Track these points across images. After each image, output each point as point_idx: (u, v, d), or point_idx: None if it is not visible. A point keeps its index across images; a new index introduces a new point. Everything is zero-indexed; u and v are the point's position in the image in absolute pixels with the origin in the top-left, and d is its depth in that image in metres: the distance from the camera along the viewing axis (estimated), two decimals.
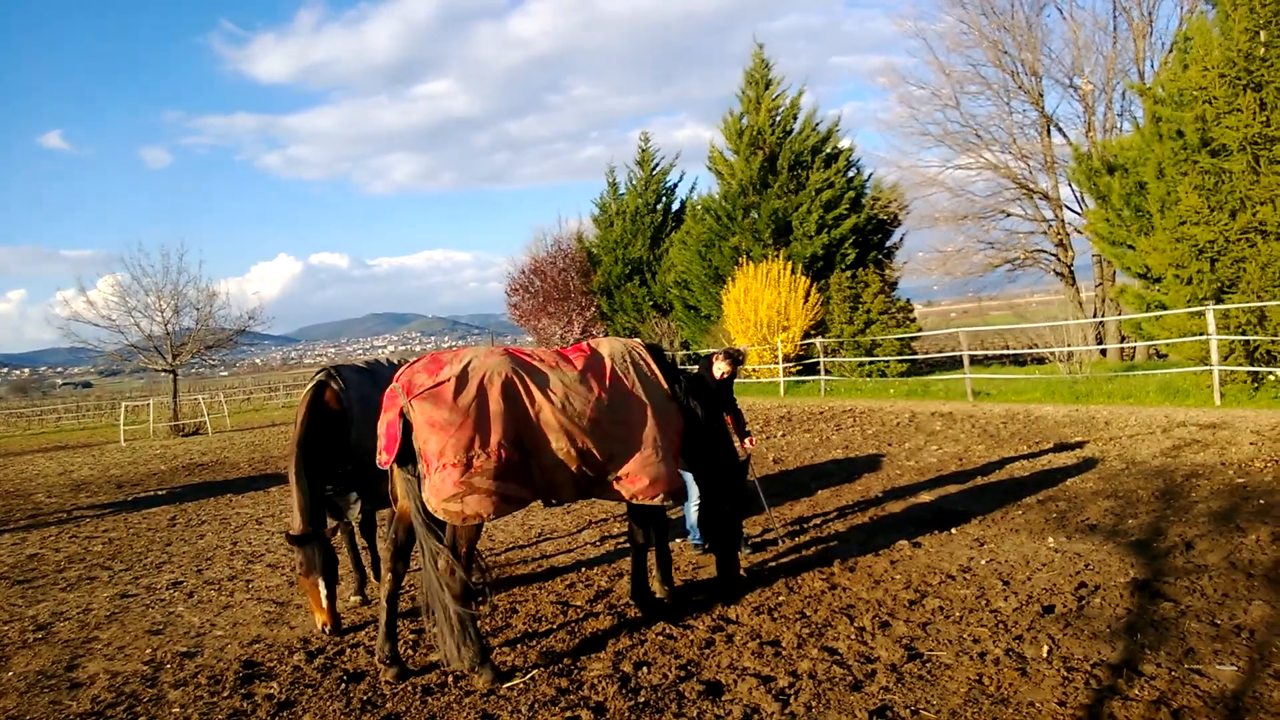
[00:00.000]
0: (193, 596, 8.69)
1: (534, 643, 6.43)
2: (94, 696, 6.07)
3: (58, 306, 34.27)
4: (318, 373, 7.36)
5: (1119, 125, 29.37)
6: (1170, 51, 24.52)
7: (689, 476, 8.04)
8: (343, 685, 5.88)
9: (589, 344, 6.58)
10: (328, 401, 7.11)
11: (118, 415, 38.17)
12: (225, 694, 5.92)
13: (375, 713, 5.38)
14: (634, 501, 6.29)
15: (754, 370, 29.57)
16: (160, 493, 17.00)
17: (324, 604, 6.68)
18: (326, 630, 6.74)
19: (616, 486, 6.16)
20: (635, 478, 6.13)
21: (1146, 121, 20.36)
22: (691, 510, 8.43)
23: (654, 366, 6.61)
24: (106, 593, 9.08)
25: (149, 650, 7.04)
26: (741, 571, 7.68)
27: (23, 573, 10.37)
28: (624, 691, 5.35)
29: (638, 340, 6.85)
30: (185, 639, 7.30)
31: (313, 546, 6.63)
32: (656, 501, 6.33)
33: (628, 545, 7.61)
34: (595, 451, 5.95)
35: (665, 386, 6.55)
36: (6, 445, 37.27)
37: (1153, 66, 28.17)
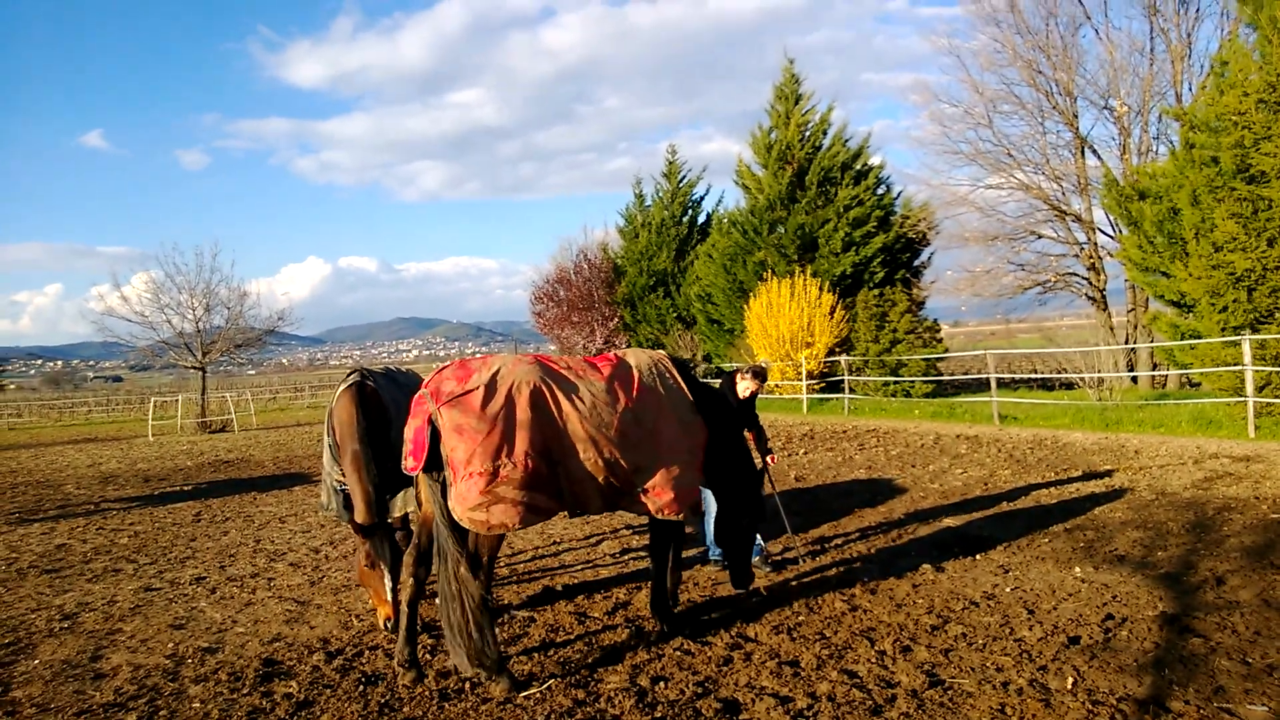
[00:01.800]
0: (215, 592, 8.75)
1: (551, 653, 6.42)
2: (117, 688, 6.12)
3: (93, 301, 34.84)
4: (351, 372, 7.37)
5: (1154, 148, 29.05)
6: (1208, 75, 24.27)
7: (706, 491, 8.03)
8: (361, 687, 5.89)
9: (616, 354, 6.57)
10: (371, 397, 7.08)
11: (147, 410, 38.58)
12: (245, 691, 5.95)
13: (392, 715, 5.38)
14: (659, 516, 6.28)
15: (776, 386, 29.49)
16: (186, 488, 17.15)
17: (388, 597, 6.62)
18: (388, 625, 6.64)
19: (643, 499, 6.13)
20: (661, 491, 6.11)
21: (1181, 147, 20.13)
22: (710, 525, 8.40)
23: (679, 379, 6.60)
24: (131, 585, 9.16)
25: (171, 644, 7.10)
26: (761, 589, 7.65)
27: (51, 562, 10.49)
28: (640, 706, 5.33)
29: (663, 352, 6.84)
30: (207, 634, 7.35)
31: (379, 537, 6.62)
32: (677, 517, 6.31)
33: (646, 558, 7.58)
34: (622, 463, 5.93)
35: (690, 399, 6.54)
36: (38, 436, 37.75)
37: (1190, 90, 27.86)
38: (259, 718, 5.48)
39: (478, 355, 6.67)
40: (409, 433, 5.77)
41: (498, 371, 5.76)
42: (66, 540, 11.92)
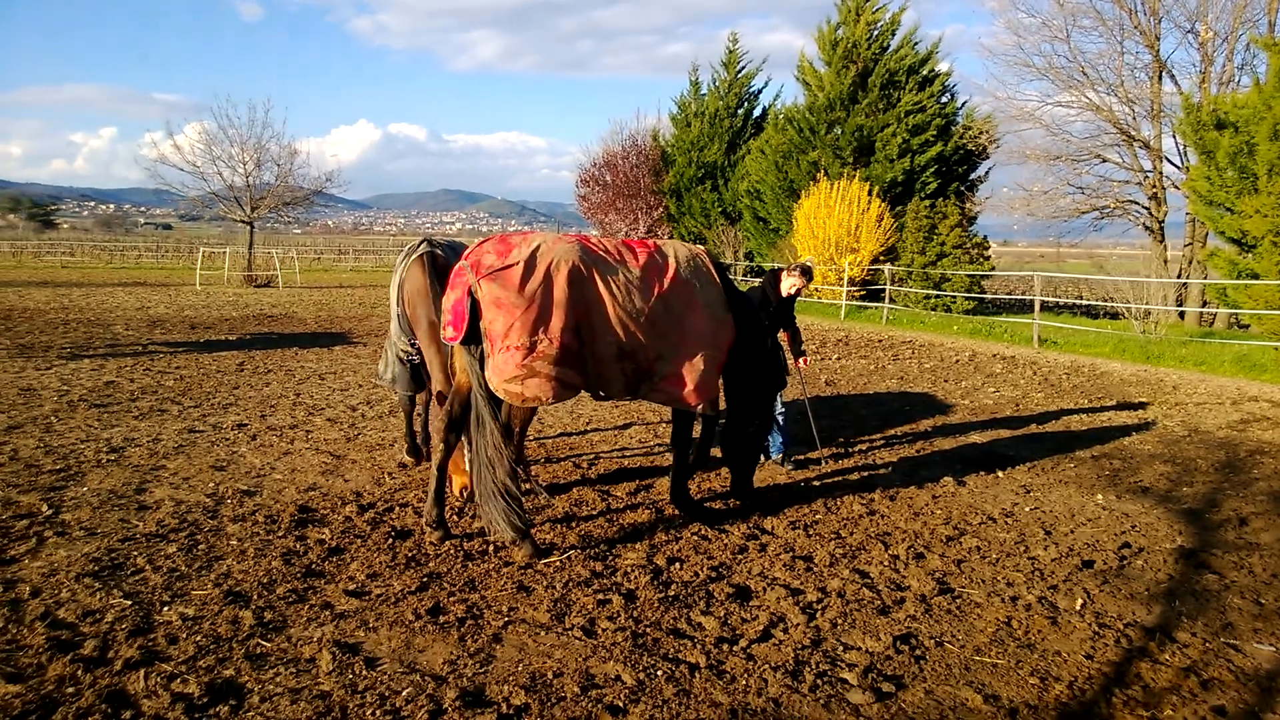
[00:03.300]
0: (255, 439, 9.04)
1: (574, 525, 6.62)
2: (159, 520, 6.41)
3: (145, 148, 35.11)
4: (420, 242, 7.33)
5: (1237, 79, 27.94)
6: None
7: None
8: (390, 540, 6.14)
9: (656, 242, 6.57)
10: (443, 268, 6.93)
11: (195, 259, 39.13)
12: (280, 534, 6.21)
13: (418, 570, 5.62)
14: (675, 405, 6.37)
15: (816, 290, 29.31)
16: (230, 338, 17.54)
17: (466, 466, 6.56)
18: (464, 494, 6.69)
19: (662, 387, 6.21)
20: (681, 381, 6.18)
21: (1270, 77, 19.35)
22: (777, 428, 8.44)
23: (715, 276, 6.60)
24: (175, 426, 9.48)
25: (212, 484, 7.39)
26: (782, 483, 7.78)
27: (100, 397, 10.85)
28: (655, 583, 5.52)
29: (703, 248, 6.81)
30: (246, 478, 7.64)
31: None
32: (695, 409, 6.39)
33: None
34: (647, 349, 6.00)
35: (723, 296, 6.55)
36: (89, 276, 38.48)
37: None
38: (292, 559, 5.73)
39: (520, 231, 6.66)
40: (448, 303, 5.84)
41: (538, 248, 5.78)
42: (115, 378, 12.30)
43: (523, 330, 5.51)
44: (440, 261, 7.07)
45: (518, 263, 5.65)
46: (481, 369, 5.73)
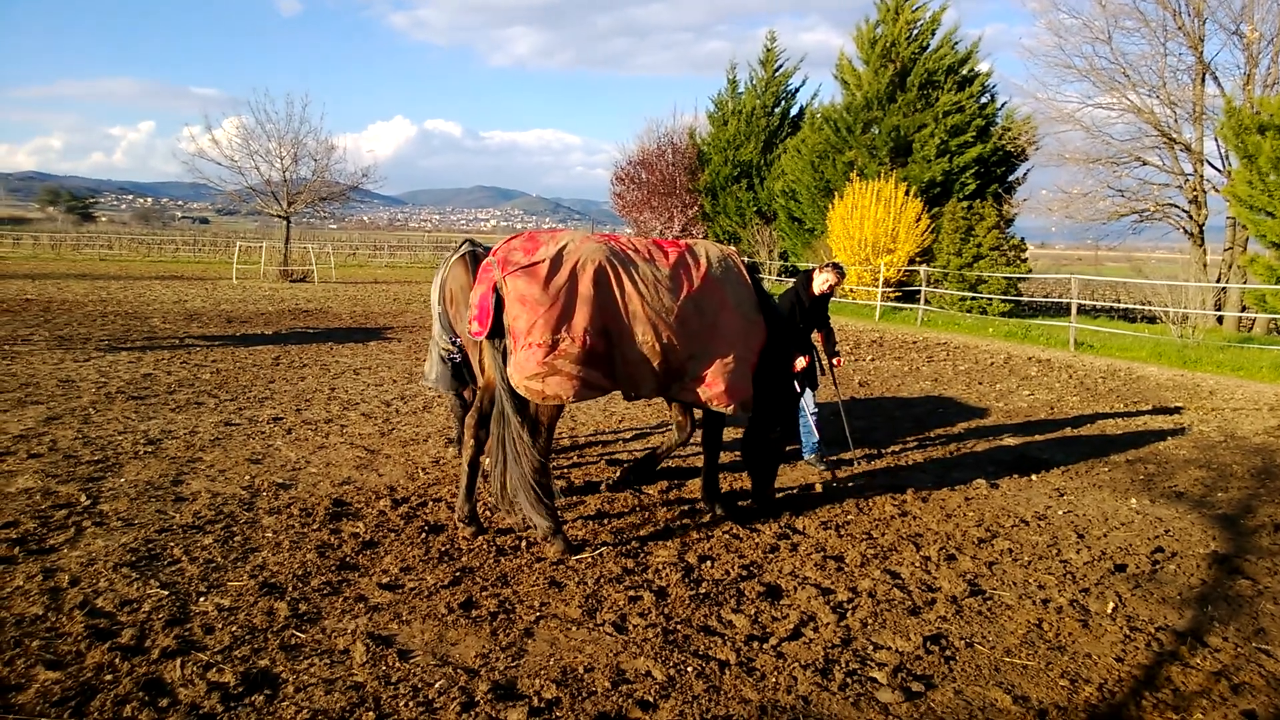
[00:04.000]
0: (291, 433, 9.16)
1: (606, 522, 6.66)
2: (195, 511, 6.51)
3: (184, 142, 35.70)
4: (462, 243, 7.43)
5: None
6: None
7: (807, 393, 8.07)
8: (424, 534, 6.20)
9: (686, 241, 6.58)
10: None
11: (231, 253, 39.62)
12: (315, 527, 6.30)
13: (451, 564, 5.68)
14: (707, 406, 6.38)
15: (850, 291, 29.18)
16: (267, 332, 17.74)
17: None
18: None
19: (694, 388, 6.22)
20: (711, 382, 6.19)
21: None
22: (808, 423, 8.45)
23: (747, 277, 6.60)
24: (212, 419, 9.62)
25: (248, 477, 7.50)
26: (816, 486, 7.77)
27: (137, 389, 11.03)
28: (687, 580, 5.54)
29: (734, 248, 6.81)
30: (281, 471, 7.75)
31: None
32: (727, 410, 6.40)
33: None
34: (678, 349, 6.00)
35: (754, 297, 6.55)
36: (127, 269, 39.03)
37: None
38: (327, 552, 5.81)
39: (551, 228, 6.70)
40: (474, 298, 5.88)
41: (565, 246, 5.81)
42: (152, 370, 12.49)
43: (545, 328, 5.53)
44: (482, 261, 7.14)
45: (544, 260, 5.68)
46: (505, 365, 5.78)
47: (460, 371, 7.71)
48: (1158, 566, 6.16)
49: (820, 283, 8.33)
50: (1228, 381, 15.41)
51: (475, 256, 7.12)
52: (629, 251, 6.07)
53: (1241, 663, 4.68)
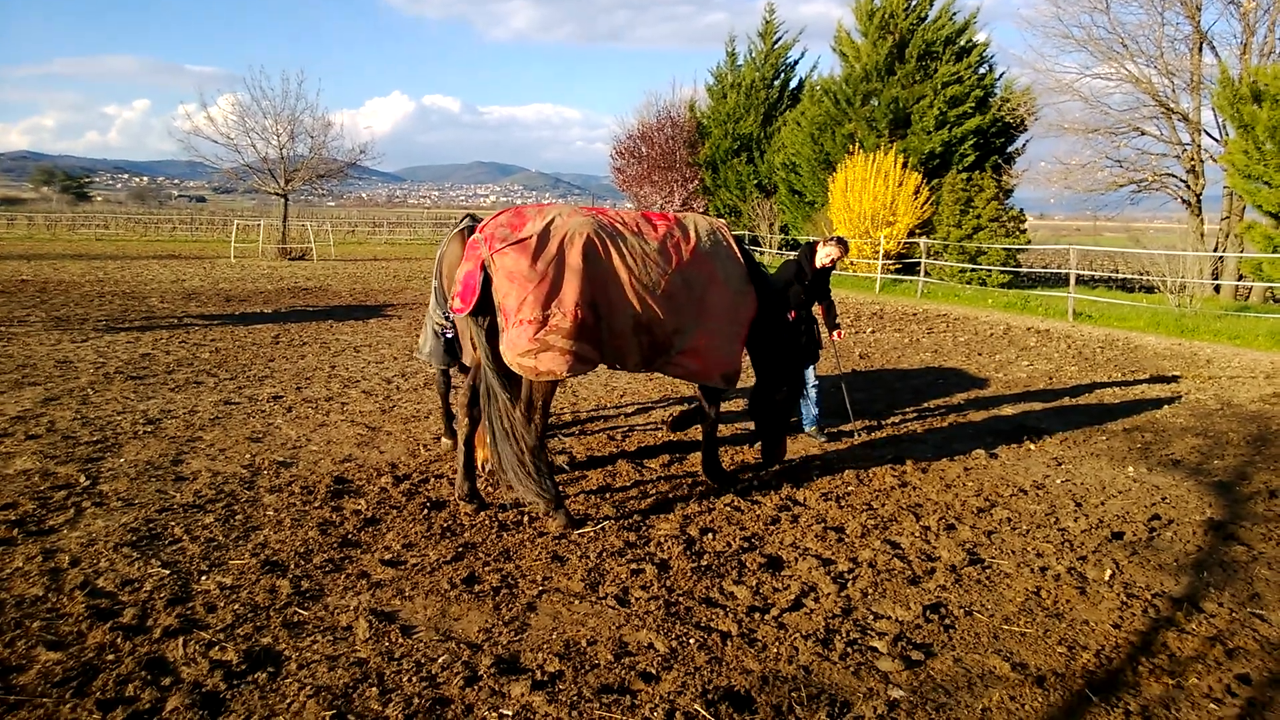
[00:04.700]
0: (291, 411, 9.17)
1: (608, 496, 6.69)
2: (196, 491, 6.53)
3: (179, 120, 35.51)
4: (464, 218, 7.41)
5: (1278, 50, 27.31)
6: None
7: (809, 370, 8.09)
8: (426, 511, 6.22)
9: (676, 215, 6.55)
10: None
11: (229, 232, 39.51)
12: (316, 504, 6.31)
13: (453, 540, 5.70)
14: (692, 380, 6.38)
15: (851, 264, 29.14)
16: (265, 311, 17.73)
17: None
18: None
19: (679, 362, 6.23)
20: (696, 356, 6.20)
21: None
22: (810, 397, 8.48)
23: (736, 250, 6.58)
24: (211, 398, 9.63)
25: (248, 455, 7.51)
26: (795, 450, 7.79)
27: (136, 369, 11.03)
28: (689, 553, 5.57)
29: (723, 221, 6.79)
30: (282, 449, 7.76)
31: None
32: (712, 383, 6.41)
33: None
34: (664, 322, 5.99)
35: (744, 270, 6.53)
36: (124, 248, 38.91)
37: None
38: (329, 530, 5.83)
39: (539, 204, 6.65)
40: (460, 275, 5.84)
41: (552, 221, 5.78)
42: (151, 350, 12.49)
43: (536, 304, 5.51)
44: None
45: (531, 236, 5.64)
46: (488, 341, 5.76)
47: (453, 347, 7.70)
48: (1154, 534, 6.19)
49: (823, 256, 8.33)
50: (1224, 350, 15.42)
51: (473, 230, 7.09)
52: (617, 224, 6.04)
53: (1236, 628, 4.72)
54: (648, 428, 8.92)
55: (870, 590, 5.10)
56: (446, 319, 7.41)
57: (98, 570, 5.04)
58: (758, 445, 7.81)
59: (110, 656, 4.08)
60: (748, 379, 7.60)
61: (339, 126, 37.46)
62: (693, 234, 6.34)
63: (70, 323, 14.86)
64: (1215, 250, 27.56)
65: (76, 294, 19.47)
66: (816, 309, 8.57)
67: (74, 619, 4.42)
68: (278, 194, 36.28)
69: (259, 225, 38.55)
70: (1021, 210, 30.21)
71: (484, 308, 5.73)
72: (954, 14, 31.78)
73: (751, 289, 6.51)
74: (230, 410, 9.11)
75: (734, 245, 6.59)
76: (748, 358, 6.92)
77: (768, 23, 41.67)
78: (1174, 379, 12.31)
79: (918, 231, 28.22)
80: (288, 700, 3.77)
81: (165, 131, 39.16)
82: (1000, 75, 32.64)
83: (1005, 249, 26.64)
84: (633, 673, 4.07)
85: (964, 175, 28.49)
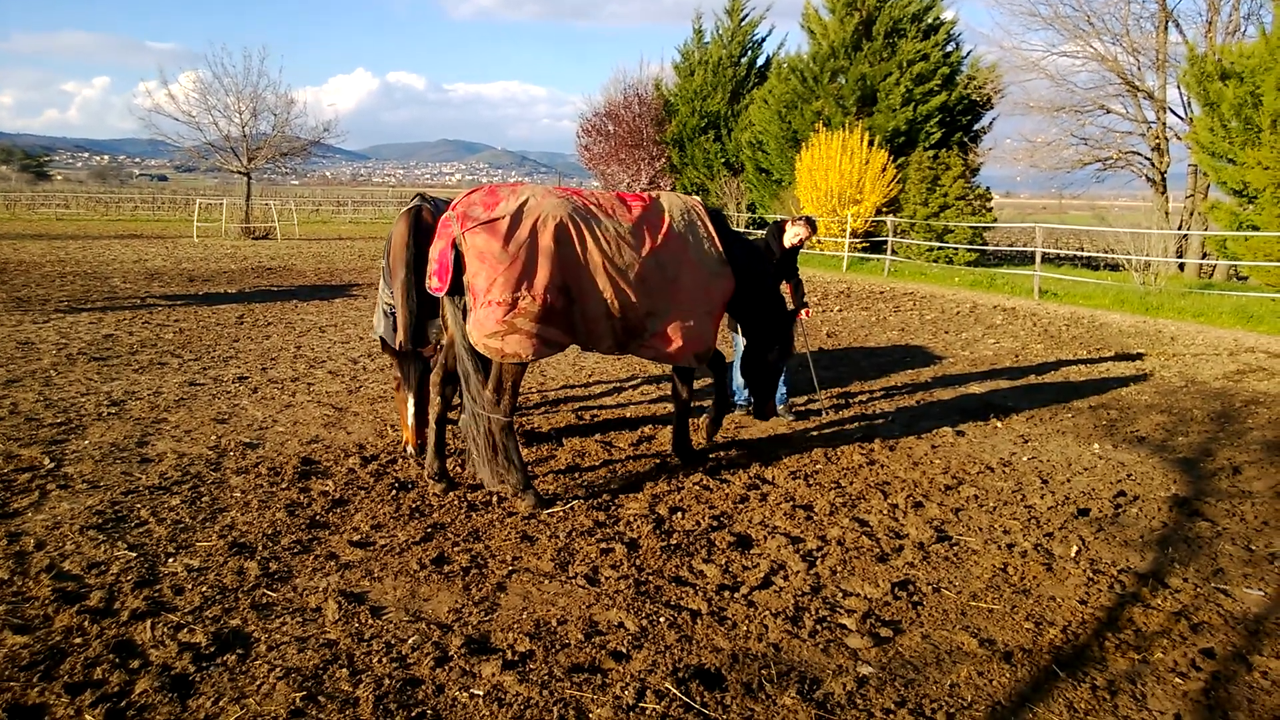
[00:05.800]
0: (257, 392, 9.07)
1: (576, 476, 6.68)
2: (162, 473, 6.45)
3: (140, 97, 34.89)
4: (414, 197, 7.34)
5: (1243, 29, 27.61)
6: None
7: (738, 340, 8.13)
8: (394, 491, 6.19)
9: (650, 195, 6.52)
10: (426, 224, 6.91)
11: (191, 211, 38.90)
12: (284, 486, 6.26)
13: (422, 520, 5.67)
14: (664, 362, 6.39)
15: (818, 242, 29.19)
16: (230, 291, 17.51)
17: (410, 422, 6.86)
18: (408, 450, 6.93)
19: (652, 344, 6.21)
20: (668, 338, 6.19)
21: (1275, 27, 19.14)
22: (736, 373, 8.52)
23: (711, 229, 6.56)
24: (176, 379, 9.51)
25: (214, 437, 7.43)
26: (786, 429, 7.82)
27: (99, 350, 10.86)
28: (658, 532, 5.58)
29: (698, 200, 6.78)
30: (248, 430, 7.68)
31: (409, 362, 6.74)
32: (684, 363, 6.42)
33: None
34: (637, 306, 5.98)
35: (720, 251, 6.53)
36: (85, 228, 38.24)
37: None
38: (296, 511, 5.79)
39: (512, 183, 6.59)
40: (433, 253, 5.79)
41: (525, 202, 5.73)
42: (114, 331, 12.30)
43: (505, 286, 5.47)
44: (425, 218, 7.06)
45: (504, 216, 5.59)
46: (465, 322, 5.73)
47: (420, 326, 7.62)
48: (1120, 510, 6.28)
49: (791, 236, 8.36)
50: (1188, 327, 15.63)
51: (418, 213, 7.02)
52: (591, 207, 5.99)
53: (1201, 603, 4.79)
54: (616, 406, 8.91)
55: (839, 568, 5.13)
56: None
57: (64, 553, 4.98)
58: (704, 418, 7.78)
59: (78, 640, 4.03)
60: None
61: (302, 104, 36.93)
62: (667, 215, 6.31)
63: (31, 304, 14.60)
64: (1180, 228, 27.91)
65: (37, 274, 19.12)
66: (784, 288, 8.59)
67: (40, 602, 4.36)
68: (240, 172, 35.74)
69: (222, 204, 38.02)
70: (988, 188, 30.40)
71: (459, 287, 5.70)
72: None
73: (728, 269, 6.50)
74: (195, 391, 9.01)
75: (709, 223, 6.55)
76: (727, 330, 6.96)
77: None
78: (1139, 356, 12.46)
79: (884, 210, 28.31)
80: (258, 682, 3.75)
81: (126, 109, 38.82)
82: (967, 53, 32.74)
83: (972, 227, 26.81)
84: (603, 652, 4.08)
85: (930, 153, 28.59)
